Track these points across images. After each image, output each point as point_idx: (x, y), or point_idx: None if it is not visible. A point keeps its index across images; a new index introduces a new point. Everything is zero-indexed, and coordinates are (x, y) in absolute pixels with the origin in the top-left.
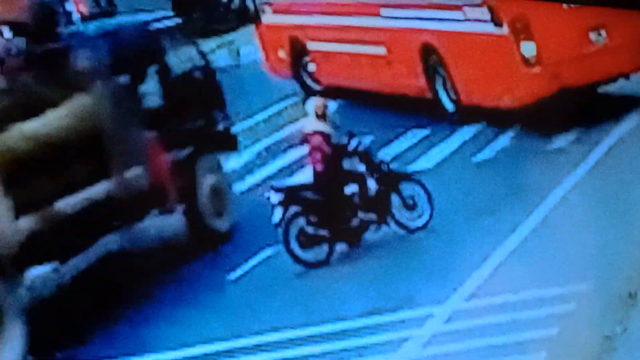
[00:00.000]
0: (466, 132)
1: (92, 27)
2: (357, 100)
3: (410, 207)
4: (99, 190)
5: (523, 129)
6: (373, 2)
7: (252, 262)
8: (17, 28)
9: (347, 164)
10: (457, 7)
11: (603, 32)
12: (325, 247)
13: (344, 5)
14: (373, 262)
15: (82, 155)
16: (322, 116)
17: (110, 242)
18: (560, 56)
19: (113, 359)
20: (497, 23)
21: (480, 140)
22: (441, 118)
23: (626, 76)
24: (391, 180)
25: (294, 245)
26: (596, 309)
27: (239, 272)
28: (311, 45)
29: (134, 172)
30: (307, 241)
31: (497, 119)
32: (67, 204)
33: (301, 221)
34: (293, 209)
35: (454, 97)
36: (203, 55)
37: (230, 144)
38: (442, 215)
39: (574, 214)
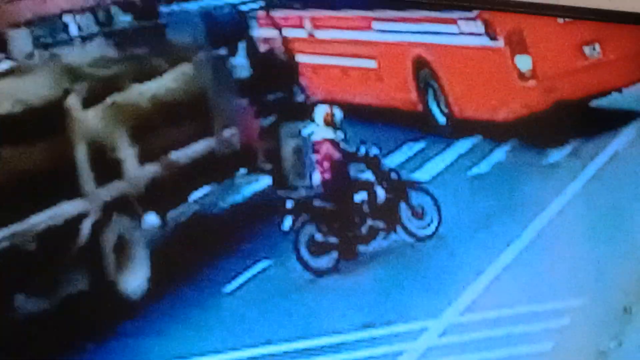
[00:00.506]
0: (461, 146)
1: (189, 6)
2: (348, 113)
3: (419, 215)
4: (203, 146)
5: (519, 142)
6: (364, 16)
7: (248, 274)
8: (124, 5)
9: (355, 172)
10: (451, 21)
11: (597, 46)
12: (334, 255)
13: (334, 19)
14: (367, 275)
15: (189, 115)
16: (330, 123)
17: (206, 196)
18: (555, 70)
19: None
20: (492, 36)
21: (476, 154)
22: (435, 132)
23: (619, 90)
24: (400, 188)
25: (304, 253)
26: (591, 323)
27: (234, 284)
28: (300, 59)
29: (229, 133)
30: (317, 249)
31: (491, 132)
32: (179, 155)
33: (311, 229)
34: (303, 217)
35: (446, 110)
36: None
37: (306, 114)
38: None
39: (569, 228)
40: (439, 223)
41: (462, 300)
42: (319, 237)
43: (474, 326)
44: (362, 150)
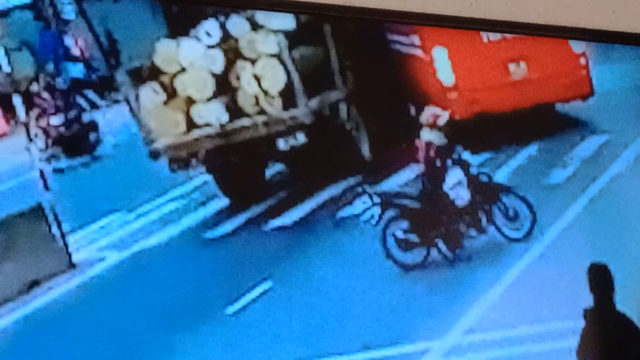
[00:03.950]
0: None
1: None
2: None
3: (512, 218)
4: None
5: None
6: None
7: (250, 296)
8: None
9: (449, 174)
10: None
11: (523, 64)
12: (423, 251)
13: None
14: (368, 297)
15: None
16: (433, 126)
17: None
18: (478, 84)
19: None
20: (424, 50)
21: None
22: None
23: (548, 105)
24: (491, 191)
25: (392, 248)
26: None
27: (236, 306)
28: None
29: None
30: (405, 244)
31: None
32: (332, 96)
33: (397, 225)
34: (390, 213)
35: None
36: None
37: None
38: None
39: (572, 249)
40: (531, 227)
41: (465, 321)
42: (403, 234)
43: (478, 347)
44: (456, 152)
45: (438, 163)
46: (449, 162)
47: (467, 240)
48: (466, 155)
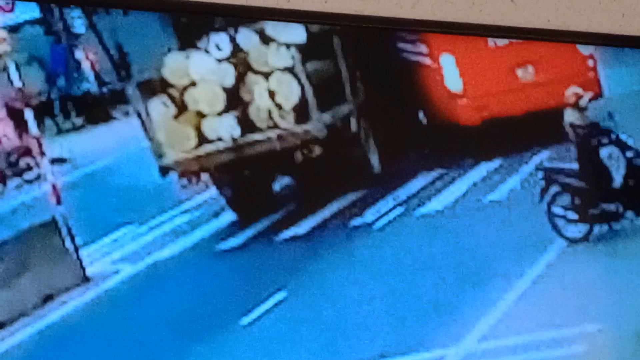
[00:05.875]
0: (476, 174)
1: None
2: None
3: None
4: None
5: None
6: None
7: (264, 306)
8: None
9: (604, 153)
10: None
11: (530, 68)
12: (585, 226)
13: None
14: (382, 307)
15: None
16: (575, 106)
17: None
18: (486, 90)
19: None
20: (432, 57)
21: (491, 182)
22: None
23: (554, 109)
24: None
25: (558, 222)
26: (608, 350)
27: (251, 316)
28: None
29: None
30: (569, 220)
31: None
32: (343, 108)
33: (560, 201)
34: (554, 188)
35: None
36: None
37: None
38: (453, 257)
39: (585, 253)
40: None
41: (480, 328)
42: (563, 210)
43: (493, 354)
44: (613, 133)
45: (593, 142)
46: (604, 140)
47: (622, 222)
48: (623, 136)
